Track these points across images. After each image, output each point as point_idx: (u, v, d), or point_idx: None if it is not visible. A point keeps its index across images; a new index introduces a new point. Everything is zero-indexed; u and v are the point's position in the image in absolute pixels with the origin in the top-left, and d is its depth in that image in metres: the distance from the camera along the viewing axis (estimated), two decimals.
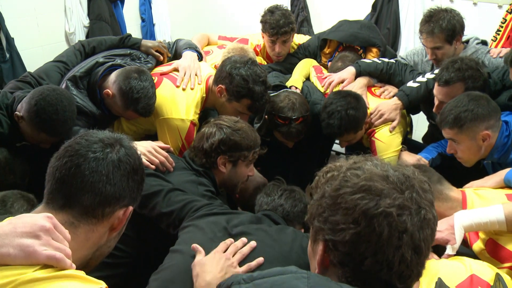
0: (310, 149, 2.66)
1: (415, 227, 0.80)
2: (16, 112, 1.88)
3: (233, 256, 1.34)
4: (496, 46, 3.20)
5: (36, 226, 0.84)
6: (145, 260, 1.70)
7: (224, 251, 1.36)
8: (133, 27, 4.04)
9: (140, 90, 2.00)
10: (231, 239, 1.41)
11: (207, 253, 1.36)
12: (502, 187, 1.75)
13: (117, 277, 1.61)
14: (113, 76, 2.07)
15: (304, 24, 4.08)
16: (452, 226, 1.51)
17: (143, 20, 4.14)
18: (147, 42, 2.38)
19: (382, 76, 2.60)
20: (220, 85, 2.14)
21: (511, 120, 1.95)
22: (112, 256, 1.37)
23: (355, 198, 0.81)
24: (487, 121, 1.88)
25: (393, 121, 2.35)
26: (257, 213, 1.72)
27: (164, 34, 4.20)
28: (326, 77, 2.60)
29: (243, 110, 2.17)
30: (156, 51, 2.39)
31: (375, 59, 2.64)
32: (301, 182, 3.12)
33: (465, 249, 1.63)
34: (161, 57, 2.39)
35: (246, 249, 1.37)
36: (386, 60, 2.63)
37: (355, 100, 2.26)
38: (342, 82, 2.50)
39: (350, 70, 2.55)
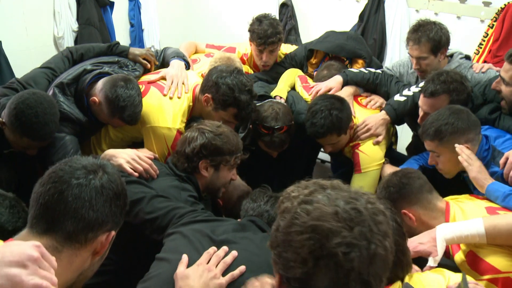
0: (295, 158, 2.70)
1: (363, 263, 0.81)
2: None
3: (216, 266, 1.35)
4: (478, 59, 3.29)
5: (24, 255, 0.85)
6: (131, 267, 1.70)
7: (207, 262, 1.37)
8: (122, 32, 4.05)
9: (127, 98, 2.01)
10: (214, 248, 1.42)
11: (192, 262, 1.37)
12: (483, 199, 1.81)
13: (103, 284, 1.62)
14: (100, 84, 2.09)
15: (292, 33, 4.13)
16: (434, 239, 1.56)
17: (132, 26, 4.15)
18: (135, 50, 2.41)
19: (368, 86, 2.65)
20: (206, 94, 2.17)
21: (490, 135, 2.00)
22: None
23: (303, 238, 0.82)
24: (467, 135, 1.94)
25: (378, 135, 2.40)
26: (243, 218, 1.75)
27: (153, 39, 4.21)
28: (313, 87, 2.64)
29: (229, 118, 2.20)
30: (144, 59, 2.41)
31: (362, 69, 2.69)
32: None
33: (447, 261, 1.67)
34: (148, 65, 2.42)
35: (229, 259, 1.38)
36: (372, 70, 2.68)
37: (339, 102, 2.31)
38: (329, 91, 2.54)
39: (337, 79, 2.59)
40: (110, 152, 1.87)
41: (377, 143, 2.39)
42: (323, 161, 3.94)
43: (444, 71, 2.25)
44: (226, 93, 2.13)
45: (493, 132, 2.03)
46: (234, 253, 1.40)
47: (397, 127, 2.84)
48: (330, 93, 2.53)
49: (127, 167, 1.78)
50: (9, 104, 1.86)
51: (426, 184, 1.79)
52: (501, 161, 1.86)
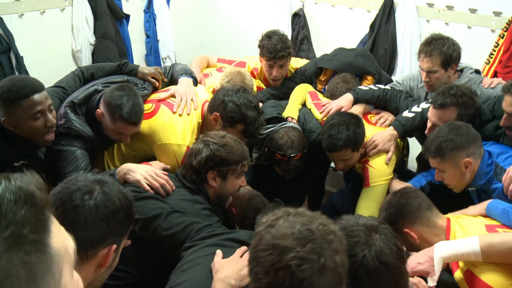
0: (306, 173, 2.76)
1: (315, 274, 0.98)
2: (3, 119, 1.96)
3: None
4: (489, 69, 3.29)
5: None
6: (149, 280, 1.79)
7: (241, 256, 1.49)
8: (137, 43, 4.16)
9: (122, 97, 2.12)
10: (245, 247, 1.52)
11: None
12: (483, 216, 1.84)
13: None
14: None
15: (305, 42, 4.17)
16: (432, 258, 1.60)
17: (147, 37, 4.25)
18: (143, 69, 2.50)
19: (378, 103, 2.69)
20: (214, 113, 2.25)
21: (494, 151, 2.03)
22: (115, 278, 1.44)
23: (266, 254, 1.01)
24: (467, 149, 1.98)
25: (387, 151, 2.44)
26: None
27: (168, 50, 4.31)
28: (324, 104, 2.69)
29: (238, 135, 2.24)
30: (152, 77, 2.50)
31: (372, 86, 2.73)
32: (297, 199, 3.23)
33: (450, 278, 1.71)
34: (157, 83, 2.51)
35: None
36: (382, 86, 2.72)
37: (356, 120, 2.38)
38: (340, 109, 2.58)
39: (348, 98, 2.63)
40: (128, 166, 1.94)
41: (388, 160, 2.43)
42: (335, 169, 3.97)
43: (455, 85, 2.29)
44: (233, 110, 2.21)
45: (496, 148, 2.06)
46: None
47: (408, 138, 2.87)
48: (342, 110, 2.58)
49: (144, 183, 1.85)
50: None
51: (424, 202, 1.83)
52: (504, 177, 1.89)
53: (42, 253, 0.55)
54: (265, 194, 2.37)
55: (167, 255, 1.72)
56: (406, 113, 2.52)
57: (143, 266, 1.78)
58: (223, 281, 1.37)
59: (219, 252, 1.51)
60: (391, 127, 2.51)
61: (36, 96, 1.95)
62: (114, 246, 1.17)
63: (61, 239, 0.62)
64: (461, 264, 1.67)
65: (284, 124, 2.54)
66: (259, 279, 1.02)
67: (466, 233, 1.72)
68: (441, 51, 2.46)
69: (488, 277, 1.56)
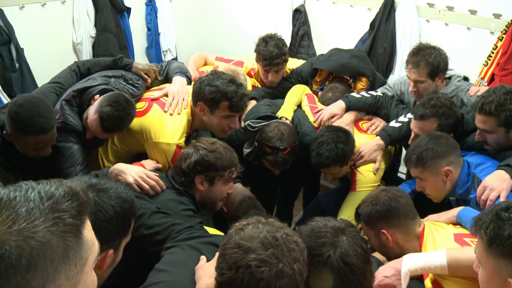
0: (297, 173, 2.79)
1: (272, 277, 1.06)
2: (4, 132, 2.03)
3: None
4: (487, 71, 3.28)
5: None
6: (126, 277, 1.84)
7: None
8: (138, 35, 4.17)
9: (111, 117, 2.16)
10: None
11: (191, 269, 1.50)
12: (454, 224, 1.86)
13: None
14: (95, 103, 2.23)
15: (305, 38, 4.17)
16: (399, 271, 1.61)
17: (149, 29, 4.26)
18: (138, 65, 2.54)
19: (370, 110, 2.72)
20: (198, 103, 2.28)
21: (472, 161, 2.06)
22: None
23: (232, 252, 1.11)
24: (448, 157, 2.01)
25: (374, 161, 2.47)
26: None
27: (169, 43, 4.32)
28: (318, 112, 2.70)
29: (226, 113, 2.29)
30: (145, 73, 2.53)
31: (364, 93, 2.74)
32: (289, 198, 3.27)
33: (421, 285, 1.73)
34: (149, 80, 2.54)
35: None
36: (374, 93, 2.73)
37: (345, 136, 2.39)
38: (332, 117, 2.61)
39: (340, 106, 2.65)
40: (120, 167, 2.00)
41: (376, 170, 2.48)
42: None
43: (435, 96, 2.32)
44: (211, 91, 2.24)
45: (476, 159, 2.09)
46: None
47: None
48: (333, 119, 2.61)
49: (134, 186, 1.92)
50: (6, 114, 2.00)
51: (412, 211, 1.85)
52: (478, 189, 1.92)
53: (76, 236, 0.74)
54: (257, 191, 2.41)
55: (147, 254, 1.76)
56: (393, 123, 2.57)
57: (124, 265, 1.83)
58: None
59: (203, 258, 1.55)
60: (378, 137, 2.55)
61: (43, 137, 2.03)
62: (111, 251, 1.20)
63: (91, 235, 0.80)
64: (430, 274, 1.69)
65: (276, 120, 2.57)
66: (223, 273, 1.11)
67: (435, 243, 1.74)
68: (428, 62, 2.48)
69: None
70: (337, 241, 1.33)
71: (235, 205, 2.26)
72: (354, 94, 2.75)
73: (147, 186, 1.93)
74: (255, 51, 2.90)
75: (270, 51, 2.80)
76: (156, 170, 2.14)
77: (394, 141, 2.55)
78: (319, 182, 3.57)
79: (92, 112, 2.17)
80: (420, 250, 1.76)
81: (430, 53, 2.48)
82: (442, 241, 1.72)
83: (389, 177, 2.67)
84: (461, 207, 1.86)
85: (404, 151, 3.03)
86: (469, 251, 1.53)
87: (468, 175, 2.02)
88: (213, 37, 4.77)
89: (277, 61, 2.81)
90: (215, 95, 2.24)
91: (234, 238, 1.14)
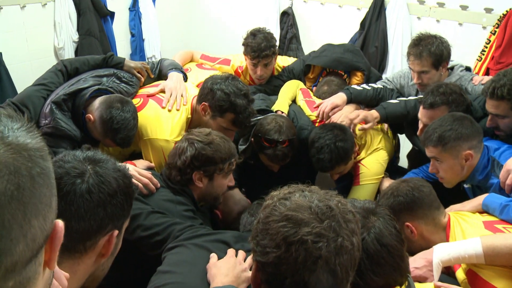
0: (295, 171, 2.67)
1: (331, 253, 0.90)
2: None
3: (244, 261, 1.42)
4: (481, 66, 3.26)
5: None
6: (126, 283, 1.69)
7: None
8: (122, 42, 4.04)
9: (121, 121, 2.00)
10: (233, 249, 1.47)
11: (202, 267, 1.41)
12: (480, 212, 1.77)
13: None
14: (97, 102, 2.07)
15: (293, 41, 4.11)
16: (430, 262, 1.51)
17: (132, 35, 4.14)
18: (130, 63, 2.39)
19: (371, 102, 2.63)
20: (203, 103, 2.16)
21: (490, 145, 1.98)
22: None
23: (279, 226, 0.92)
24: (470, 141, 1.92)
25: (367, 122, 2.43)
26: (242, 232, 1.73)
27: (154, 49, 4.19)
28: (318, 106, 2.60)
29: (228, 125, 2.18)
30: (138, 72, 2.39)
31: (365, 86, 2.66)
32: None
33: (450, 279, 1.62)
34: (142, 79, 2.40)
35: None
36: (375, 86, 2.66)
37: (342, 132, 2.28)
38: (335, 107, 2.51)
39: (342, 97, 2.56)
40: None
41: (363, 129, 2.42)
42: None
43: (444, 83, 2.25)
44: (222, 98, 2.11)
45: (492, 143, 2.01)
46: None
47: (398, 135, 2.81)
48: (335, 110, 2.51)
49: None
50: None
51: (435, 200, 1.74)
52: (501, 173, 1.83)
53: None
54: (252, 193, 2.27)
55: (144, 258, 1.63)
56: (391, 100, 2.52)
57: (118, 269, 1.68)
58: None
59: (214, 256, 1.44)
60: (374, 110, 2.47)
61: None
62: (116, 232, 1.04)
63: None
64: (463, 264, 1.59)
65: (273, 113, 2.46)
66: (266, 253, 0.93)
67: (464, 231, 1.65)
68: (431, 51, 2.41)
69: (494, 278, 1.48)
70: (369, 222, 1.23)
71: (232, 216, 2.11)
72: (355, 86, 2.67)
73: (140, 185, 1.78)
74: (243, 44, 2.80)
75: (258, 43, 2.70)
76: (149, 169, 1.99)
77: (390, 116, 2.45)
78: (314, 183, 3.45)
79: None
80: (447, 241, 1.65)
81: (432, 43, 2.42)
82: (472, 229, 1.63)
83: (391, 166, 2.56)
84: (485, 195, 1.77)
85: (401, 149, 2.98)
86: (506, 237, 1.44)
87: (487, 159, 1.93)
88: (199, 43, 4.67)
89: (266, 52, 2.71)
90: (224, 104, 2.12)
91: (279, 209, 0.95)
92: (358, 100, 2.59)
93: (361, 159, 2.43)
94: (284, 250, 0.90)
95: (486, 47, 3.24)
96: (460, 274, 1.57)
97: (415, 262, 1.55)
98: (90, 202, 0.99)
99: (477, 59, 3.29)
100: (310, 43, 4.04)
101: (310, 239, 0.89)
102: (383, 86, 2.69)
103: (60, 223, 0.64)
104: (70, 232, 0.95)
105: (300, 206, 0.94)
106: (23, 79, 3.07)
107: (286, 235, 0.91)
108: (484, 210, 1.75)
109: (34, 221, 0.55)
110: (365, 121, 2.43)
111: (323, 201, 0.96)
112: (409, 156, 3.01)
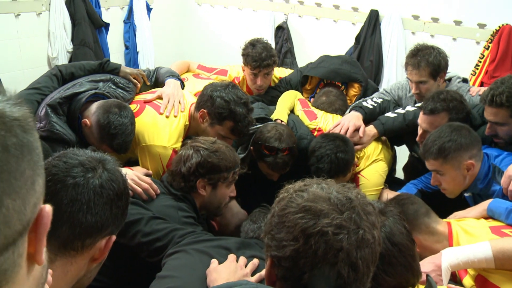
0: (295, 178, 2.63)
1: (352, 246, 0.85)
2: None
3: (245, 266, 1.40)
4: (475, 80, 3.30)
5: None
6: None
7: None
8: (116, 54, 4.02)
9: (118, 126, 1.95)
10: (234, 255, 1.44)
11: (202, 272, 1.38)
12: (485, 218, 1.75)
13: None
14: (93, 107, 2.02)
15: (288, 56, 4.12)
16: (439, 267, 1.47)
17: (127, 48, 4.12)
18: (126, 69, 2.35)
19: (374, 117, 2.54)
20: (202, 110, 2.13)
21: (490, 153, 1.97)
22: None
23: (297, 217, 0.87)
24: (470, 151, 1.90)
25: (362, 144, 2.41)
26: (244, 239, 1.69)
27: (148, 62, 4.18)
28: (336, 125, 2.48)
29: (226, 133, 2.14)
30: (134, 78, 2.36)
31: (372, 102, 2.58)
32: None
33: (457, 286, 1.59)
34: (138, 85, 2.36)
35: (256, 261, 1.41)
36: (378, 101, 2.62)
37: (344, 143, 2.24)
38: (358, 129, 2.43)
39: (359, 116, 2.48)
40: None
41: (356, 150, 2.36)
42: None
43: (444, 90, 2.26)
44: (222, 106, 2.08)
45: (492, 151, 2.01)
46: (255, 261, 1.43)
47: (395, 147, 2.80)
48: (360, 130, 2.42)
49: None
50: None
51: (421, 208, 1.71)
52: (503, 180, 1.82)
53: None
54: (250, 204, 2.22)
55: (142, 263, 1.59)
56: (389, 114, 2.48)
57: (115, 275, 1.64)
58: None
59: (215, 261, 1.41)
60: (372, 125, 2.44)
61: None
62: (114, 237, 1.01)
63: None
64: (470, 271, 1.56)
65: (273, 121, 2.43)
66: (283, 246, 0.88)
67: (471, 237, 1.62)
68: (428, 61, 2.42)
69: (505, 283, 1.45)
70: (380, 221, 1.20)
71: (229, 229, 2.07)
72: (366, 104, 2.56)
73: (139, 189, 1.73)
74: (243, 54, 2.77)
75: (259, 53, 2.68)
76: (146, 176, 1.94)
77: (388, 131, 2.43)
78: None
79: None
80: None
81: (429, 53, 2.43)
82: (478, 234, 1.60)
83: (389, 178, 2.54)
84: (490, 200, 1.75)
85: (398, 160, 2.96)
86: None
87: (488, 167, 1.92)
88: (194, 56, 4.63)
89: (267, 62, 2.69)
90: (223, 111, 2.09)
91: (297, 201, 0.90)
92: (372, 118, 2.54)
93: (361, 170, 2.40)
94: (302, 242, 0.86)
95: (480, 62, 3.28)
96: (467, 281, 1.53)
97: (424, 267, 1.51)
98: (101, 197, 0.96)
99: (471, 73, 3.33)
100: (305, 57, 4.05)
101: (331, 231, 0.85)
102: (382, 99, 2.68)
103: (47, 207, 0.52)
104: (73, 224, 0.91)
105: (319, 197, 0.90)
106: (14, 88, 3.00)
107: (304, 226, 0.86)
108: (489, 215, 1.73)
109: (7, 201, 0.45)
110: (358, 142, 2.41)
111: (342, 192, 0.92)
112: (405, 169, 3.00)
